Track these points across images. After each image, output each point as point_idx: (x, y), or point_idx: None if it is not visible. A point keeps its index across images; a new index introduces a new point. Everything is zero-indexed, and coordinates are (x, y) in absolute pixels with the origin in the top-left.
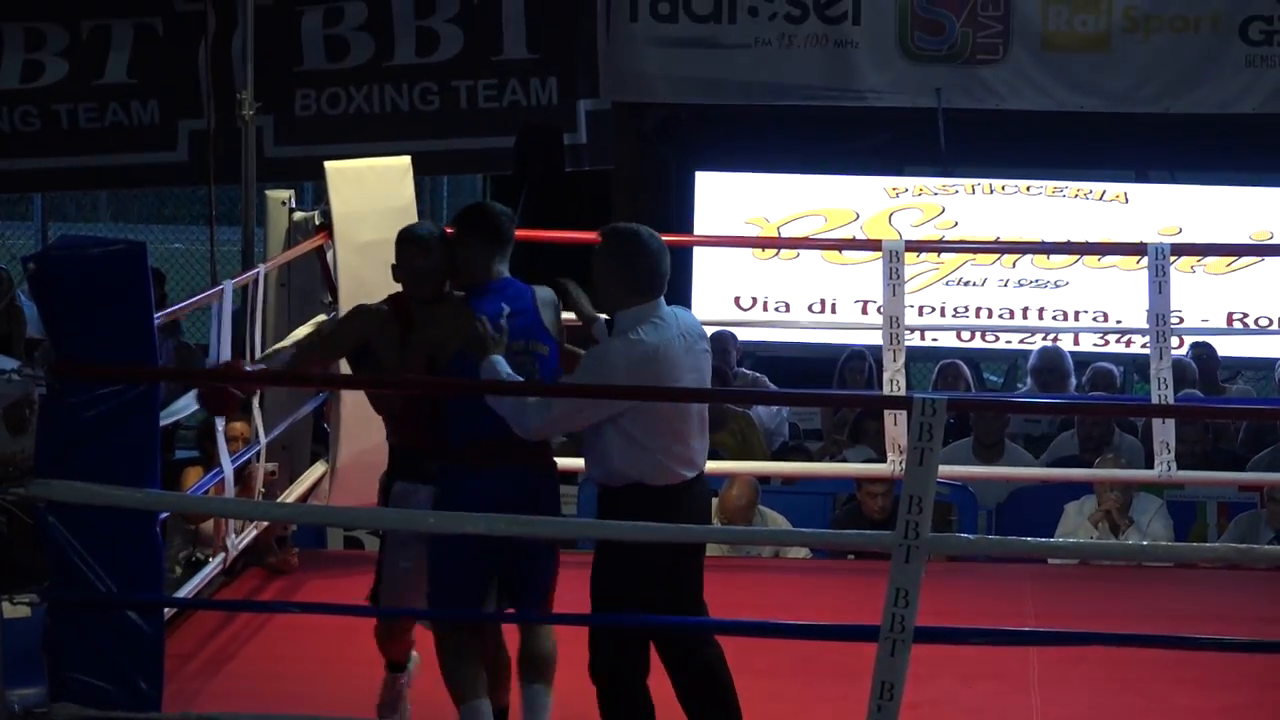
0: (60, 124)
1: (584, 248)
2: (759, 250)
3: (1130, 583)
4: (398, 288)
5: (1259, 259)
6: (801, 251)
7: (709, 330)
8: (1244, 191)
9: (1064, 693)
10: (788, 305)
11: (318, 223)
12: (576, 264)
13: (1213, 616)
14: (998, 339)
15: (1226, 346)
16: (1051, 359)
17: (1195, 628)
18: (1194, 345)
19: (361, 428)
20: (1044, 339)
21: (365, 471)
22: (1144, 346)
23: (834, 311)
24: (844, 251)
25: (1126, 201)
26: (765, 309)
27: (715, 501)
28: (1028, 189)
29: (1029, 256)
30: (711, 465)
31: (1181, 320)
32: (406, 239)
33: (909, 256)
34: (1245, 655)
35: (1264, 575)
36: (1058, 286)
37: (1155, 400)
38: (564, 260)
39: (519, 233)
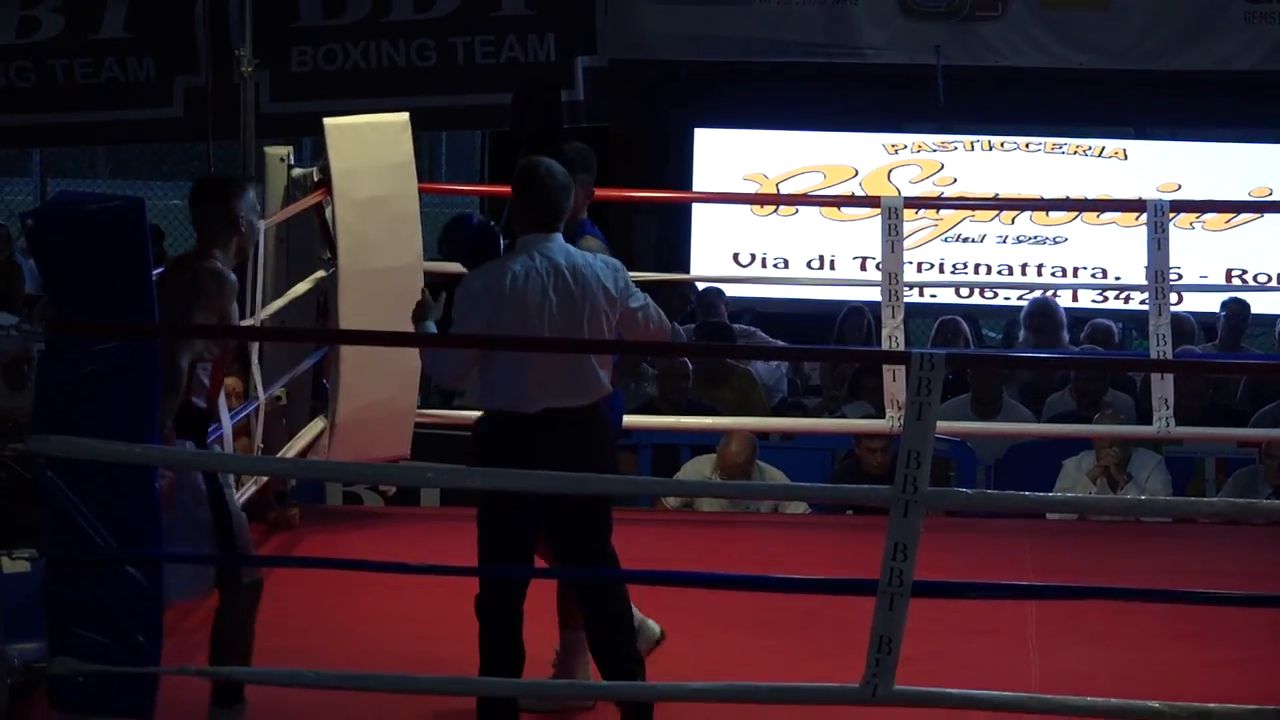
0: (56, 79)
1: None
2: (758, 207)
3: (1128, 538)
4: (397, 243)
5: (1258, 215)
6: (800, 208)
7: (702, 287)
8: (1243, 148)
9: (1062, 647)
10: (786, 261)
11: (316, 179)
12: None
13: (1210, 571)
14: (996, 295)
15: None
16: (1044, 307)
17: (1192, 582)
18: (1226, 302)
19: (361, 383)
20: (1041, 294)
21: (365, 427)
22: (1143, 303)
23: (833, 268)
24: (843, 208)
25: (1125, 158)
26: (764, 265)
27: (714, 456)
28: (1026, 146)
29: (1027, 213)
30: (711, 421)
31: (1180, 277)
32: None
33: (908, 213)
34: (1242, 610)
35: (1261, 530)
36: (1056, 243)
37: (1154, 356)
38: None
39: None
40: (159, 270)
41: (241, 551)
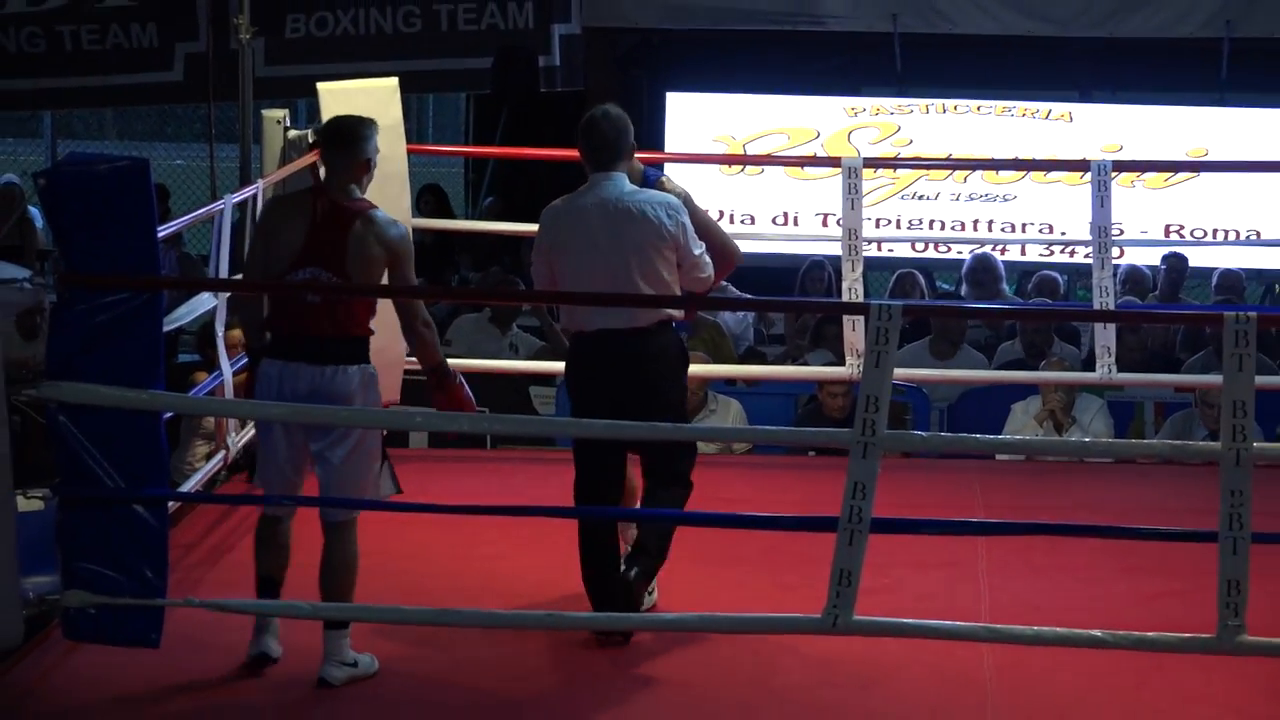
0: (64, 45)
1: (560, 163)
2: (726, 166)
3: (1073, 477)
4: (387, 200)
5: (1194, 175)
6: (766, 168)
7: None
8: (1181, 111)
9: (1010, 580)
10: (753, 218)
11: (311, 140)
12: (554, 177)
13: (1149, 509)
14: (950, 249)
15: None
16: (984, 263)
17: (1133, 519)
18: (1166, 256)
19: None
20: (993, 249)
21: None
22: (1086, 256)
23: (796, 224)
24: (805, 168)
25: (1071, 120)
26: (731, 221)
27: None
28: (978, 109)
29: (979, 172)
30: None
31: (1122, 232)
32: None
33: (867, 172)
34: (1179, 544)
35: (1197, 470)
36: (1006, 200)
37: (1097, 306)
38: (542, 173)
39: (503, 150)
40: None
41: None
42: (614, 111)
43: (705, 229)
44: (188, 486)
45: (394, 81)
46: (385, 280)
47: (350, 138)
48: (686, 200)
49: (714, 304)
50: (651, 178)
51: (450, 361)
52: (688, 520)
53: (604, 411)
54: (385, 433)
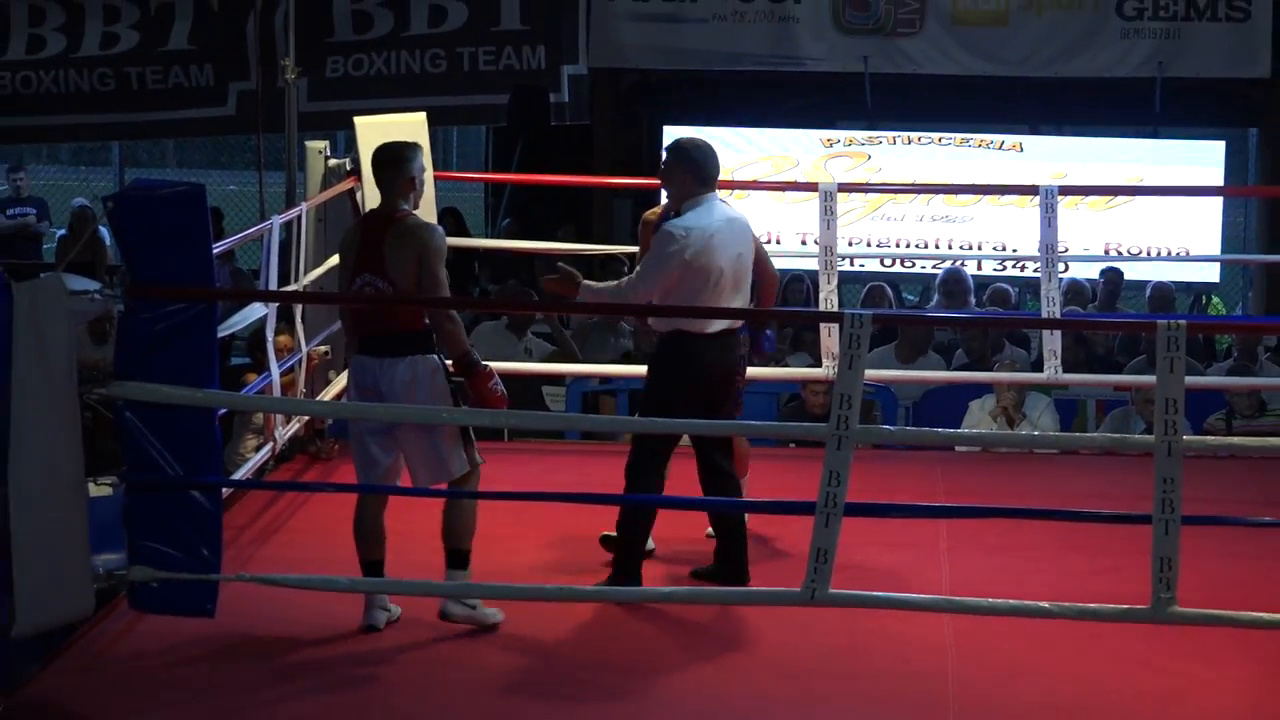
0: (131, 84)
1: (570, 188)
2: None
3: (1023, 466)
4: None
5: (1131, 198)
6: (751, 192)
7: None
8: (1119, 142)
9: (968, 558)
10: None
11: (349, 168)
12: (564, 202)
13: (1091, 494)
14: (914, 265)
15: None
16: (955, 275)
17: (1077, 504)
18: (1104, 270)
19: None
20: (952, 264)
21: None
22: (1035, 271)
23: (778, 242)
24: (786, 193)
25: (1021, 150)
26: None
27: None
28: (940, 140)
29: (940, 196)
30: None
31: (1067, 250)
32: None
33: (841, 196)
34: (1117, 526)
35: (1134, 459)
36: (964, 221)
37: (1045, 315)
38: (554, 198)
39: (518, 176)
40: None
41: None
42: (701, 140)
43: None
44: (239, 475)
45: (422, 116)
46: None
47: (396, 159)
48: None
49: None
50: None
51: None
52: (687, 505)
53: (698, 406)
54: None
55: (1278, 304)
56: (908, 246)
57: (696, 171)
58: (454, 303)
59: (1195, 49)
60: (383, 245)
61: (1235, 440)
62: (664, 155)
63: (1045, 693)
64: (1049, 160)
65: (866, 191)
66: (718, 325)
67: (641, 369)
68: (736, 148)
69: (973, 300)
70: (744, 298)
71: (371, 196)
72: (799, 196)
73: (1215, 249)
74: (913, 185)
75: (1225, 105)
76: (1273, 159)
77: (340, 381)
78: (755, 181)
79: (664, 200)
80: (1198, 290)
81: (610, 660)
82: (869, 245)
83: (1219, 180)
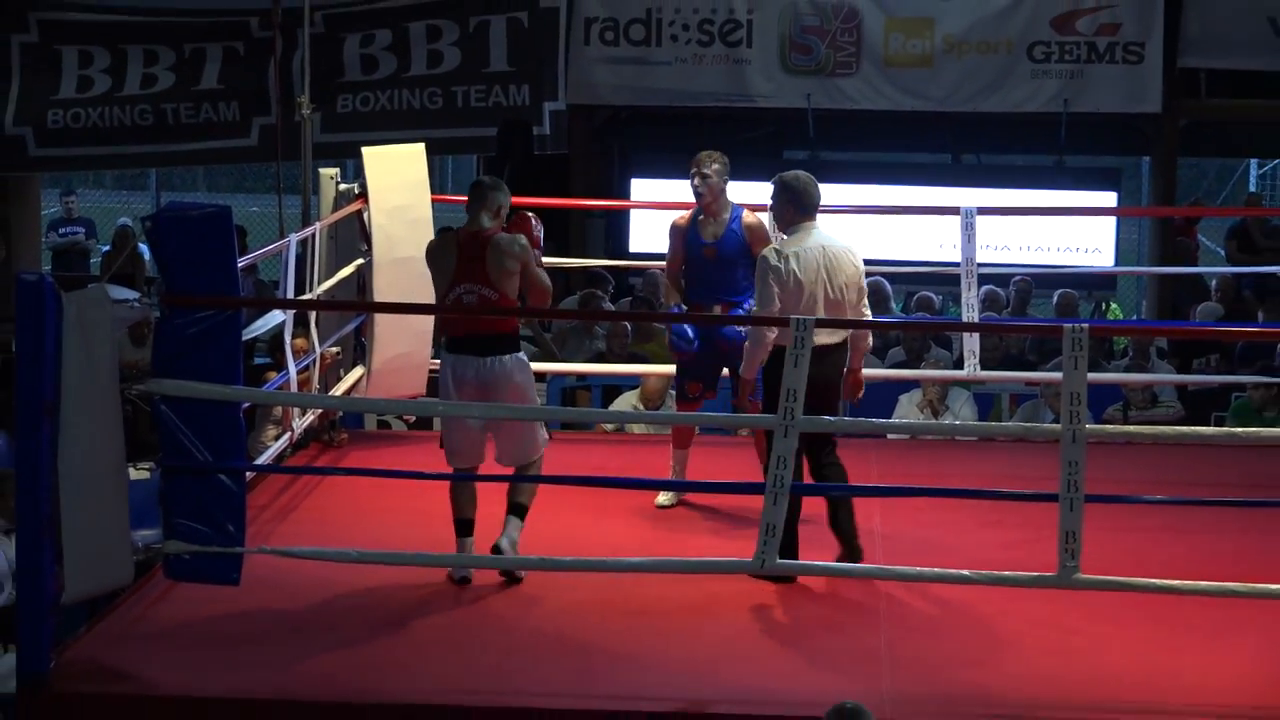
0: (167, 120)
1: (550, 209)
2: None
3: (946, 452)
4: (416, 240)
5: (1040, 217)
6: None
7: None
8: (1030, 169)
9: (899, 532)
10: None
11: (357, 192)
12: (545, 221)
13: (1006, 476)
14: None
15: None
16: (875, 286)
17: (994, 484)
18: (1015, 280)
19: (389, 341)
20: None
21: (392, 373)
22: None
23: None
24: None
25: (945, 174)
26: None
27: (638, 392)
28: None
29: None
30: (640, 368)
31: (995, 245)
32: None
33: None
34: (1029, 504)
35: (1044, 446)
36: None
37: (965, 319)
38: (536, 217)
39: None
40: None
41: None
42: (803, 174)
43: None
44: (261, 461)
45: (421, 146)
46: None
47: (488, 188)
48: (767, 231)
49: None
50: (737, 212)
51: None
52: (646, 486)
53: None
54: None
55: (1168, 309)
56: None
57: (797, 202)
58: (430, 309)
59: (1096, 87)
60: (484, 259)
61: (1131, 428)
62: (772, 187)
63: (966, 647)
64: (969, 184)
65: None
66: (817, 339)
67: (611, 367)
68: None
69: (893, 306)
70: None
71: (377, 218)
72: None
73: (1111, 261)
74: (850, 206)
75: (1121, 136)
76: (1162, 183)
77: (350, 378)
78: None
79: (689, 211)
80: (1098, 297)
81: (588, 624)
82: None
83: (1115, 202)
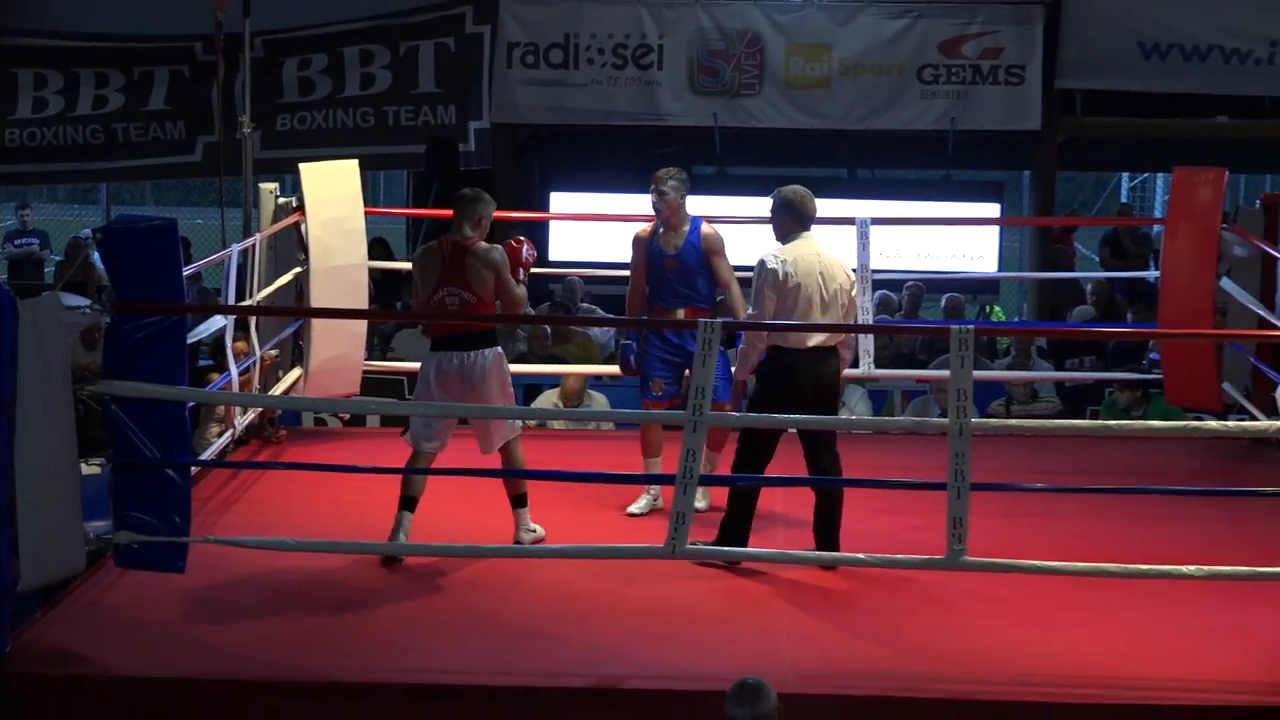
0: (118, 138)
1: None
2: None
3: (842, 445)
4: (350, 249)
5: (930, 226)
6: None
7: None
8: (920, 183)
9: (798, 519)
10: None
11: (295, 205)
12: None
13: (898, 467)
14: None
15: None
16: None
17: (887, 474)
18: (908, 284)
19: (325, 344)
20: None
21: (328, 374)
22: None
23: None
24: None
25: (842, 187)
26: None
27: (557, 389)
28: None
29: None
30: (560, 368)
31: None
32: None
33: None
34: (920, 492)
35: (933, 438)
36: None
37: (860, 321)
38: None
39: (433, 211)
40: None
41: None
42: (800, 189)
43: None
44: (205, 456)
45: (354, 162)
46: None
47: (473, 199)
48: (723, 242)
49: (587, 321)
50: (696, 224)
51: (393, 365)
52: (565, 478)
53: (800, 405)
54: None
55: (1047, 311)
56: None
57: (794, 214)
58: (383, 315)
59: (980, 107)
60: (464, 266)
61: (1014, 422)
62: (772, 201)
63: (861, 625)
64: (864, 196)
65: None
66: (813, 341)
67: (532, 367)
68: (613, 188)
69: None
70: (836, 321)
71: (314, 229)
72: None
73: (995, 268)
74: (754, 217)
75: (1004, 152)
76: (1041, 195)
77: (289, 378)
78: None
79: (651, 224)
80: (982, 301)
81: (512, 607)
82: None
83: (998, 212)
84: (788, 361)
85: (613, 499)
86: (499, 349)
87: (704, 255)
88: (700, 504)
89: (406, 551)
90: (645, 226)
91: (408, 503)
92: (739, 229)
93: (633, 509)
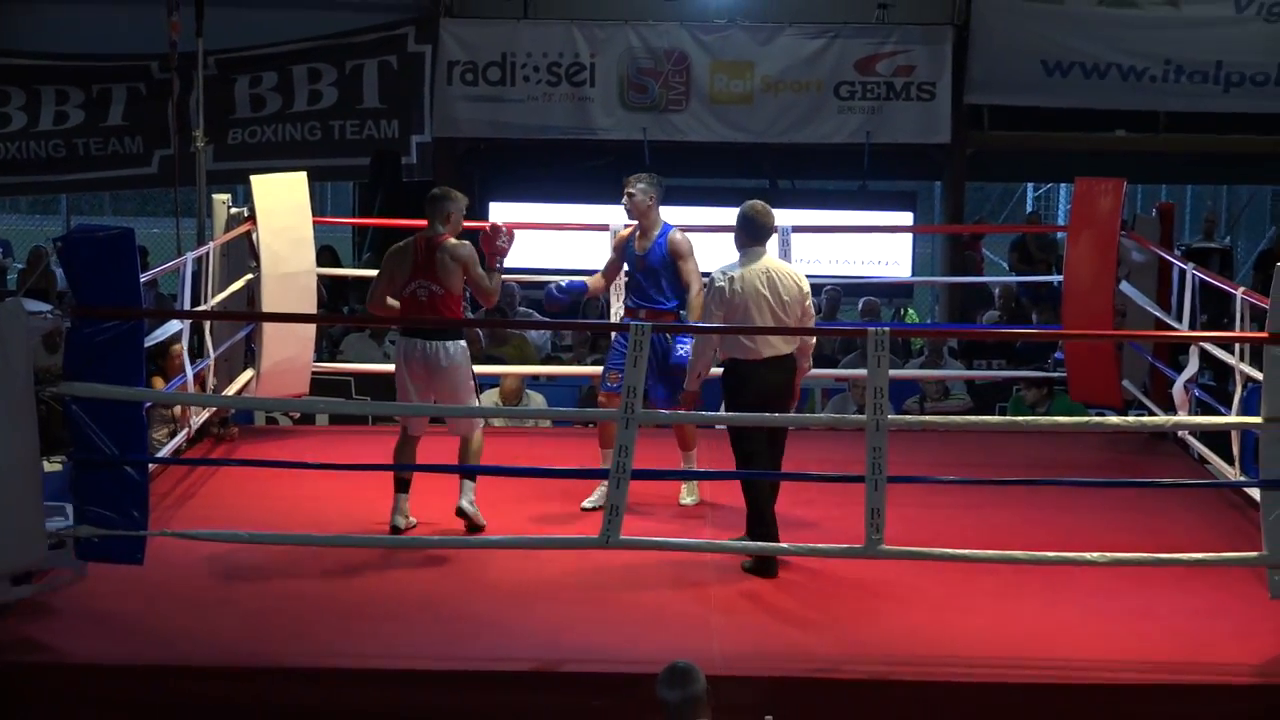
0: (79, 152)
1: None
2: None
3: None
4: (299, 257)
5: (847, 233)
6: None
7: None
8: (838, 193)
9: (725, 512)
10: (553, 267)
11: (246, 215)
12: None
13: (819, 461)
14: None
15: None
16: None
17: (808, 468)
18: (827, 289)
19: (276, 347)
20: None
21: (279, 375)
22: None
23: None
24: (586, 231)
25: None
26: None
27: (497, 389)
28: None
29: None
30: (498, 369)
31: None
32: None
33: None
34: (839, 484)
35: (851, 434)
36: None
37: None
38: (405, 237)
39: (378, 221)
40: (404, 244)
41: None
42: (760, 204)
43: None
44: (162, 453)
45: (303, 174)
46: (462, 279)
47: (443, 197)
48: (689, 246)
49: (524, 324)
50: (668, 229)
51: (341, 366)
52: (505, 473)
53: (759, 408)
54: (475, 381)
55: (957, 314)
56: None
57: (747, 229)
58: (331, 319)
59: (894, 121)
60: (434, 261)
61: (927, 418)
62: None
63: (785, 610)
64: (786, 206)
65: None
66: (767, 351)
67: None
68: (554, 199)
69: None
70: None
71: (265, 237)
72: (600, 235)
73: (909, 272)
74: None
75: (916, 164)
76: (952, 204)
77: (241, 379)
78: (565, 224)
79: (626, 220)
80: (897, 304)
81: (457, 595)
82: None
83: (911, 221)
84: (743, 372)
85: (558, 492)
86: (462, 343)
87: (670, 259)
88: (688, 500)
89: (353, 544)
90: (629, 227)
91: (401, 484)
92: None
93: (586, 504)
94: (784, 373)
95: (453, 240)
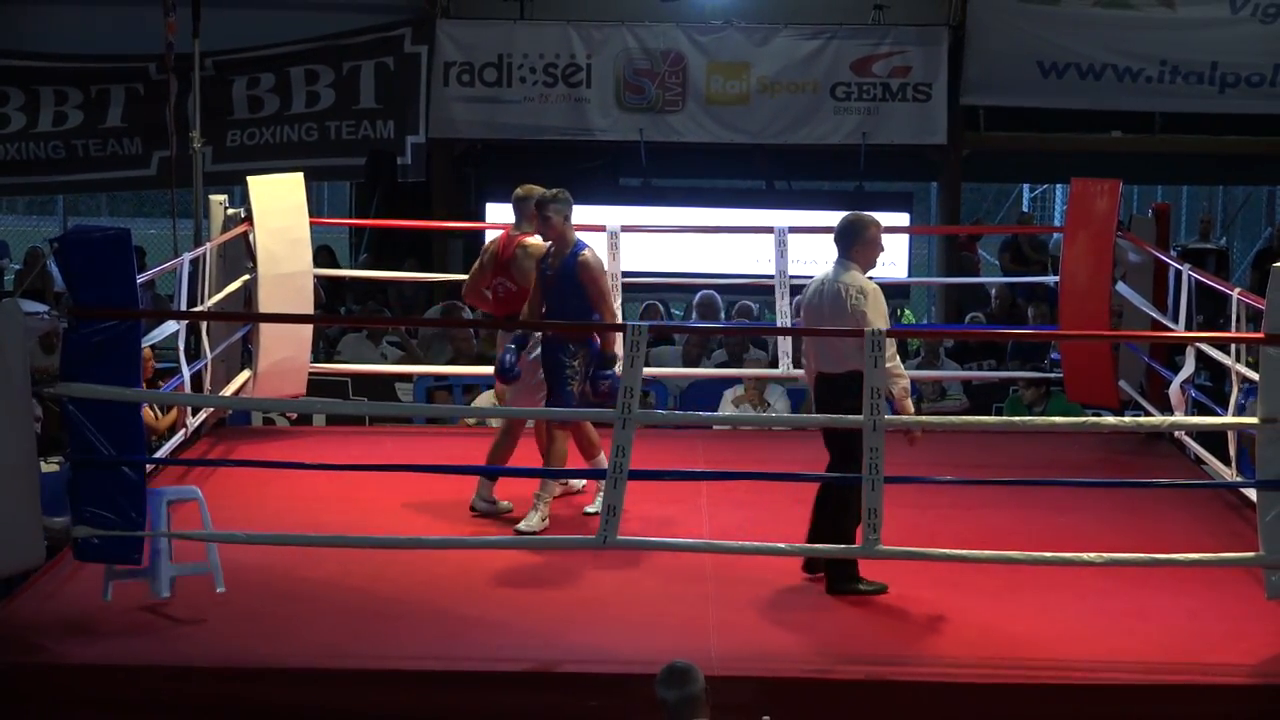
0: (77, 153)
1: (414, 230)
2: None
3: (764, 441)
4: (296, 257)
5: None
6: None
7: None
8: (834, 193)
9: (723, 511)
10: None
11: (243, 216)
12: (410, 241)
13: (816, 462)
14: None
15: None
16: (707, 299)
17: (805, 469)
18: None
19: (273, 347)
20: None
21: (276, 376)
22: (773, 292)
23: None
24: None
25: (761, 198)
26: None
27: (492, 390)
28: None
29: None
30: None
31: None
32: None
33: (625, 235)
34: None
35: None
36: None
37: (779, 325)
38: (402, 238)
39: (374, 221)
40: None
41: None
42: (855, 215)
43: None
44: (159, 454)
45: (300, 175)
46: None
47: (518, 199)
48: (598, 267)
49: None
50: (579, 248)
51: (338, 367)
52: (509, 473)
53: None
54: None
55: (954, 314)
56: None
57: (837, 240)
58: (328, 320)
59: (890, 122)
60: (511, 258)
61: (924, 418)
62: None
63: (782, 610)
64: (781, 207)
65: (644, 231)
66: (818, 367)
67: (463, 369)
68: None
69: (722, 316)
70: (824, 348)
71: (262, 238)
72: (596, 236)
73: (905, 273)
74: (680, 226)
75: (912, 165)
76: (948, 205)
77: (239, 380)
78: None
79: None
80: (894, 304)
81: (454, 595)
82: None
83: (907, 221)
84: (815, 388)
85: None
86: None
87: (576, 279)
88: (593, 508)
89: (352, 544)
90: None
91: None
92: (665, 238)
93: (589, 509)
94: (833, 392)
95: (531, 240)
